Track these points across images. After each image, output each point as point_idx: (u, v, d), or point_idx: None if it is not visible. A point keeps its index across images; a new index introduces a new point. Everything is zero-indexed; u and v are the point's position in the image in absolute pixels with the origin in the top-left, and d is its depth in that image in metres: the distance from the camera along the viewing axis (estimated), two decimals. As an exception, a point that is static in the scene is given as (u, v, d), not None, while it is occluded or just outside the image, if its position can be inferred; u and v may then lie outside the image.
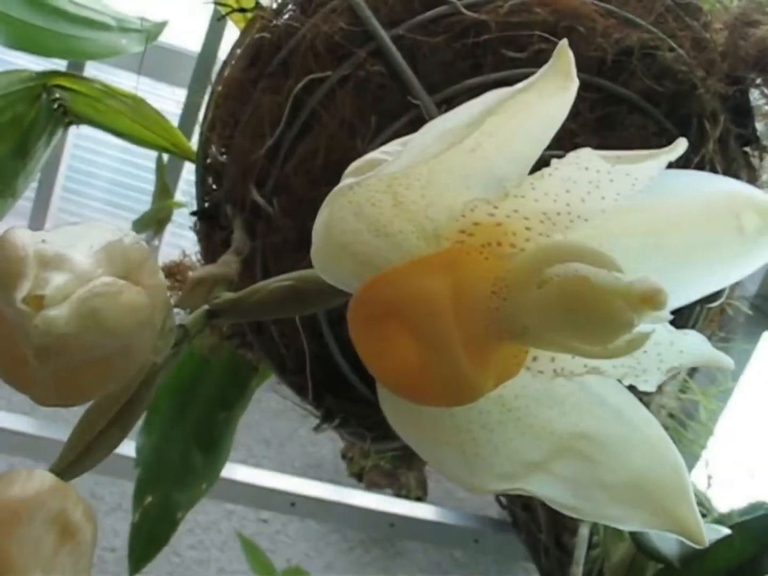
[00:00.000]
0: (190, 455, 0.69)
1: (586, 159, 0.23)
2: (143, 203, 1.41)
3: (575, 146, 0.43)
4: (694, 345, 0.25)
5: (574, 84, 0.22)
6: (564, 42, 0.20)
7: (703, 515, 0.70)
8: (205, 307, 0.37)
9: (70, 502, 0.29)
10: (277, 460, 1.54)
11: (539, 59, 0.43)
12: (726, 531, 0.49)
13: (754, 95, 0.50)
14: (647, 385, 0.25)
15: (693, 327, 0.49)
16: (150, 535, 0.67)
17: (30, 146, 0.58)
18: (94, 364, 0.22)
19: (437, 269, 0.25)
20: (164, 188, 1.34)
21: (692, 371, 0.81)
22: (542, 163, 0.25)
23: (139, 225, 1.38)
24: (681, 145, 0.22)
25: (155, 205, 1.38)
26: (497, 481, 0.28)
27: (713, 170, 0.46)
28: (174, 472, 0.69)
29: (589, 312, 0.23)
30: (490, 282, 0.25)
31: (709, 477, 0.75)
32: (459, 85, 0.42)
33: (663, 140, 0.44)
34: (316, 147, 0.45)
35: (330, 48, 0.44)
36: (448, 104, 0.42)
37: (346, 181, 0.24)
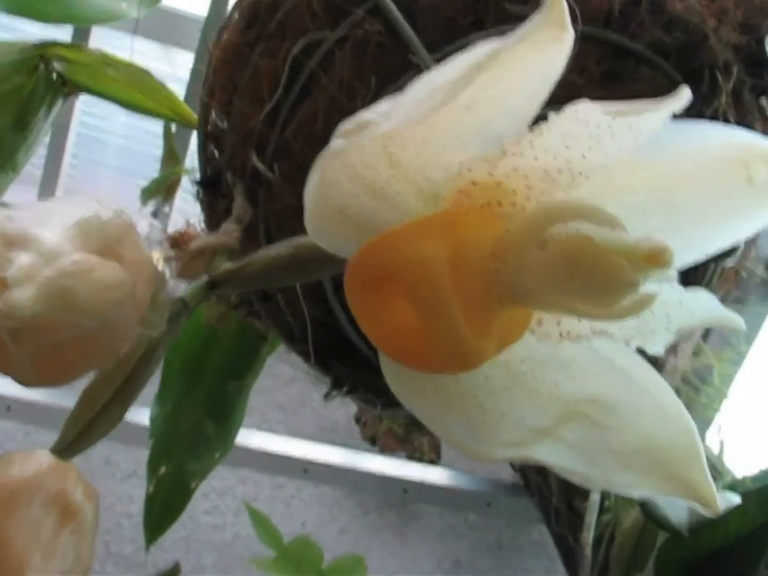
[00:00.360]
0: (203, 425, 0.69)
1: (585, 113, 0.22)
2: (155, 169, 1.40)
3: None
4: (703, 305, 0.24)
5: (570, 34, 0.20)
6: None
7: (716, 480, 0.69)
8: (205, 277, 0.36)
9: (69, 482, 0.28)
10: (290, 425, 1.55)
11: (543, 12, 0.41)
12: (737, 500, 0.49)
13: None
14: (655, 347, 0.24)
15: (707, 286, 0.48)
16: (165, 505, 0.67)
17: (29, 118, 0.57)
18: (74, 343, 0.21)
19: (435, 232, 0.24)
20: (172, 154, 1.33)
21: (705, 335, 0.80)
22: (544, 120, 0.24)
23: (148, 192, 1.37)
24: (684, 95, 0.21)
25: (164, 172, 1.37)
26: (504, 449, 0.28)
27: (726, 123, 0.44)
28: (187, 442, 0.69)
29: (592, 272, 0.22)
30: (490, 243, 0.24)
31: (722, 442, 0.74)
32: (460, 42, 0.41)
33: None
34: (315, 110, 0.43)
35: (327, 8, 0.43)
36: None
37: (334, 144, 0.24)
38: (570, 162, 0.24)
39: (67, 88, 0.61)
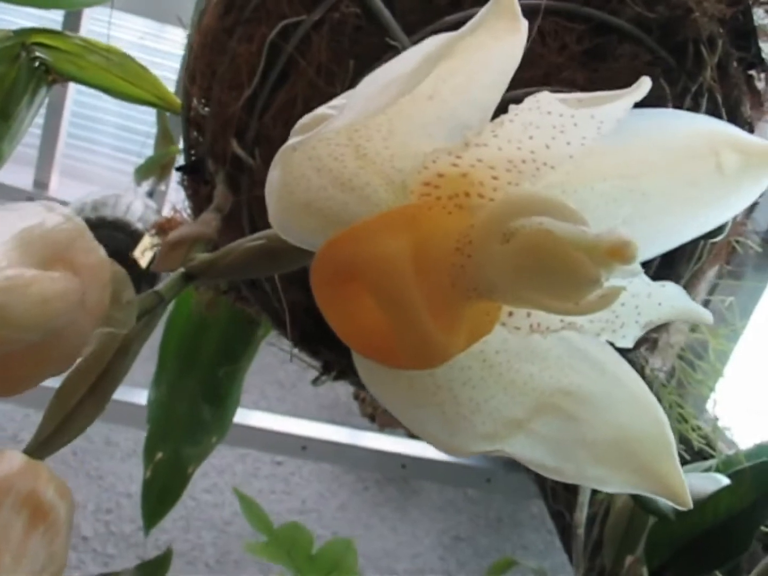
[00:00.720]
0: (199, 409, 0.69)
1: (546, 103, 0.22)
2: (151, 147, 1.40)
3: (562, 81, 0.41)
4: (672, 297, 0.23)
5: (523, 24, 0.20)
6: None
7: (711, 456, 0.69)
8: (181, 269, 0.36)
9: (41, 482, 0.28)
10: (290, 401, 1.55)
11: (523, -10, 0.40)
12: (725, 480, 0.48)
13: (759, 14, 0.48)
14: (625, 341, 0.24)
15: (697, 262, 0.47)
16: (162, 490, 0.67)
17: (12, 108, 0.57)
18: (19, 355, 0.21)
19: (397, 227, 0.24)
20: (166, 134, 1.32)
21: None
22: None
23: (142, 171, 1.37)
24: (645, 85, 0.20)
25: (157, 152, 1.37)
26: (478, 442, 0.27)
27: (712, 98, 0.44)
28: (183, 426, 0.69)
29: (554, 268, 0.21)
30: (454, 238, 0.24)
31: (717, 418, 0.74)
32: (438, 23, 0.40)
33: (657, 69, 0.42)
34: (294, 95, 0.43)
35: (303, -10, 0.42)
36: (427, 43, 0.40)
37: (291, 140, 0.23)
38: (534, 152, 0.23)
39: (51, 75, 0.60)
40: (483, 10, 0.19)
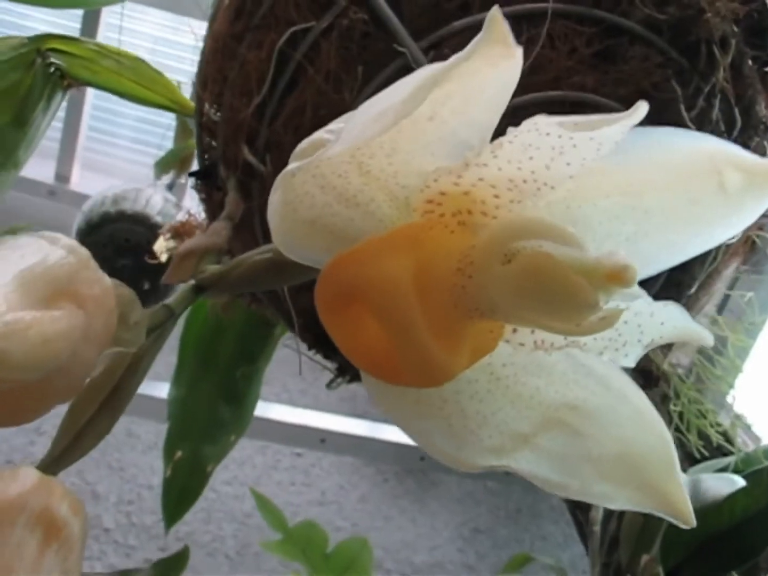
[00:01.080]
0: (217, 409, 0.70)
1: (544, 125, 0.22)
2: (171, 140, 1.40)
3: (573, 84, 0.41)
4: (674, 317, 0.23)
5: (517, 50, 0.20)
6: (495, 9, 0.19)
7: (730, 453, 0.69)
8: (192, 282, 0.36)
9: (54, 498, 0.28)
10: (311, 394, 1.56)
11: (532, -7, 0.40)
12: (741, 482, 0.48)
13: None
14: (627, 360, 0.24)
15: (712, 263, 0.47)
16: (182, 489, 0.68)
17: (28, 114, 0.57)
18: (24, 390, 0.21)
19: (399, 248, 0.24)
20: (185, 127, 1.33)
21: (722, 305, 0.78)
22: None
23: (162, 165, 1.38)
24: (641, 109, 0.20)
25: (177, 145, 1.37)
26: (485, 456, 0.28)
27: (725, 98, 0.43)
28: (202, 426, 0.69)
29: (554, 290, 0.21)
30: (456, 258, 0.24)
31: (736, 415, 0.73)
32: (446, 29, 0.40)
33: (668, 71, 0.42)
34: (303, 102, 0.43)
35: (312, -3, 0.42)
36: (435, 49, 0.40)
37: (290, 166, 0.23)
38: (534, 173, 0.23)
39: (67, 80, 0.61)
40: (476, 38, 0.19)
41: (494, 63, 0.20)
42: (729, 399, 0.73)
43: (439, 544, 1.43)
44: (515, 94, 0.41)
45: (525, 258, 0.22)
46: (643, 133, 0.23)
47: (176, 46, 1.79)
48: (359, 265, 0.24)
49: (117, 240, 1.17)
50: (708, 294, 0.49)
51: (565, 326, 0.22)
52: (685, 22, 0.42)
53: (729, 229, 0.24)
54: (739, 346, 0.68)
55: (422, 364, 0.24)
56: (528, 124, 0.22)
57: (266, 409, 1.21)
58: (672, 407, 0.75)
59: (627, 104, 0.41)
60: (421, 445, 0.29)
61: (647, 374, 0.72)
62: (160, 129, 1.72)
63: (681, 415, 0.76)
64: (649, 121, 0.41)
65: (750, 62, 0.45)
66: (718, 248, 0.47)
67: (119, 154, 1.91)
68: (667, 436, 0.25)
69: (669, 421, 0.78)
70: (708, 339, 0.23)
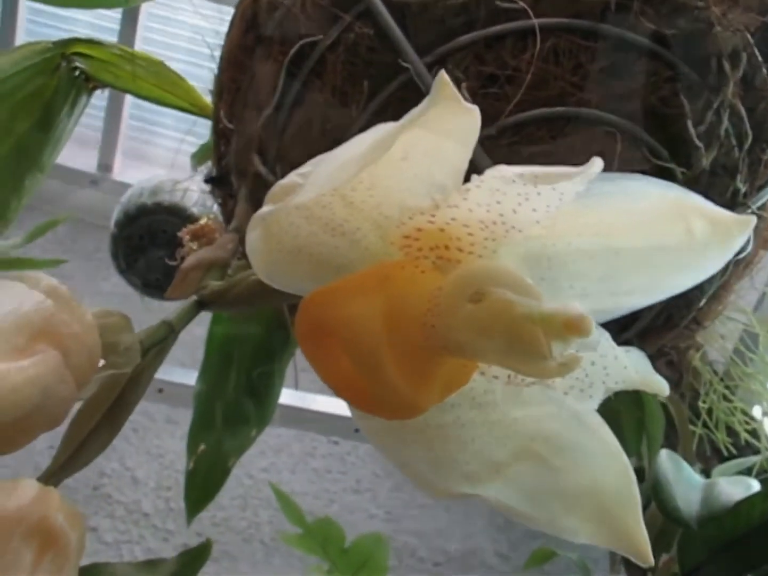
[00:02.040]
0: (240, 404, 0.71)
1: (509, 173, 0.22)
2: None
3: (578, 101, 0.41)
4: (635, 362, 0.23)
5: (472, 108, 0.20)
6: (441, 74, 0.19)
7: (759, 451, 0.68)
8: (194, 298, 0.37)
9: (52, 509, 0.30)
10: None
11: (537, 9, 0.40)
12: (756, 486, 0.48)
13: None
14: (592, 401, 0.24)
15: (722, 277, 0.47)
16: (204, 482, 0.69)
17: (53, 117, 0.58)
18: (4, 426, 0.22)
19: (369, 288, 0.25)
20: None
21: (758, 304, 0.77)
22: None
23: (198, 157, 1.39)
24: (597, 165, 0.20)
25: (214, 136, 1.38)
26: (460, 483, 0.28)
27: (735, 114, 0.43)
28: (225, 420, 0.71)
29: (513, 336, 0.22)
30: (426, 299, 0.24)
31: (766, 413, 0.73)
32: (450, 44, 0.40)
33: (677, 85, 0.41)
34: (311, 115, 0.43)
35: (320, 11, 0.43)
36: (439, 64, 0.40)
37: (263, 209, 0.24)
38: (503, 216, 0.24)
39: (91, 83, 0.62)
40: (424, 103, 0.20)
41: (447, 120, 0.21)
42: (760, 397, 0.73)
43: (473, 533, 1.44)
44: (519, 111, 0.41)
45: (489, 302, 0.22)
46: (607, 179, 0.23)
47: (216, 36, 1.80)
48: (331, 303, 0.25)
49: (154, 231, 1.19)
50: (720, 307, 0.49)
51: (526, 369, 0.23)
52: (695, 36, 0.41)
53: (701, 272, 0.24)
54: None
55: (390, 399, 0.24)
56: (493, 171, 0.22)
57: (302, 399, 1.22)
58: (701, 404, 0.74)
59: (634, 120, 0.41)
60: (399, 467, 0.29)
61: (676, 369, 0.71)
62: (202, 118, 1.73)
63: (710, 411, 0.76)
64: (656, 137, 0.41)
65: (764, 73, 0.44)
66: (729, 262, 0.47)
67: (161, 143, 1.93)
68: (630, 474, 0.25)
69: (697, 417, 0.77)
70: (664, 389, 0.23)
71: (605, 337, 0.23)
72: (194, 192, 1.32)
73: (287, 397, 1.02)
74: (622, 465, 0.25)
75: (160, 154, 1.86)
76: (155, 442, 1.37)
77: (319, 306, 0.25)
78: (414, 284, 0.25)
